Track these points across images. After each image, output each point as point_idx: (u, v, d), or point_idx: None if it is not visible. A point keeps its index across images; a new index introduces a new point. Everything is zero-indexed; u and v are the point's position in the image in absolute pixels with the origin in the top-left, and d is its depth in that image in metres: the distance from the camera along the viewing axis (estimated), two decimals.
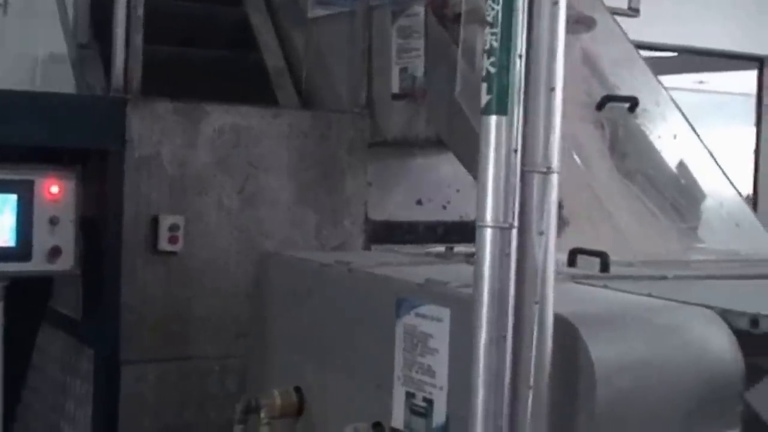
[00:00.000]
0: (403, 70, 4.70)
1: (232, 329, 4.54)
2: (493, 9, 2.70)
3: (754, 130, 9.57)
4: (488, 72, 2.72)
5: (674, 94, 10.89)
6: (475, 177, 4.30)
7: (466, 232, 4.48)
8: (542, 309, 2.76)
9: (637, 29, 8.70)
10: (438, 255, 3.93)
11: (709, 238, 4.13)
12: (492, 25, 2.71)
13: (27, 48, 5.63)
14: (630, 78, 4.51)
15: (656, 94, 4.45)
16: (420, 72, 4.61)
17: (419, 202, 5.17)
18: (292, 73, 5.35)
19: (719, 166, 4.32)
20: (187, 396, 4.55)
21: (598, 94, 4.38)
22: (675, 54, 9.24)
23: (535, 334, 2.75)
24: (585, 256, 3.68)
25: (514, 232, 2.73)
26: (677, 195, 4.22)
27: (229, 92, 5.00)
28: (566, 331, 2.80)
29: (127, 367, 4.47)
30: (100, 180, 4.47)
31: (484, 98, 2.73)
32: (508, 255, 2.72)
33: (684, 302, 3.08)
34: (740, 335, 2.95)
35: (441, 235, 5.04)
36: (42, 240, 4.40)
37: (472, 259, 3.68)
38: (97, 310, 4.51)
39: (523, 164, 2.76)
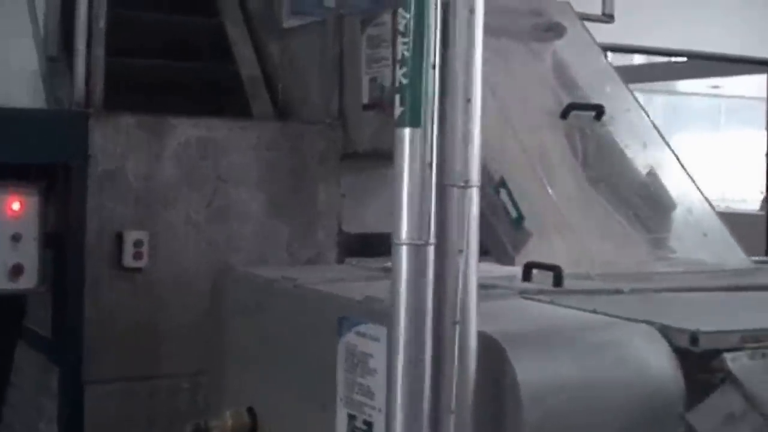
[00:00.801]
0: (373, 80, 4.61)
1: (201, 346, 4.44)
2: (404, 18, 2.61)
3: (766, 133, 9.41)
4: (401, 83, 2.62)
5: (689, 99, 10.76)
6: None
7: None
8: (463, 329, 2.66)
9: (648, 35, 8.60)
10: None
11: (677, 248, 4.01)
12: (404, 35, 2.61)
13: (17, 62, 5.55)
14: (600, 86, 4.40)
15: (626, 102, 4.34)
16: (388, 82, 4.51)
17: None
18: (269, 84, 5.27)
19: (689, 175, 4.21)
20: (156, 414, 4.47)
21: (566, 102, 4.27)
22: (686, 59, 9.10)
23: (456, 355, 2.65)
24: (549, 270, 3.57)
25: (431, 249, 2.63)
26: (646, 205, 4.11)
27: (205, 104, 4.94)
28: (492, 351, 2.70)
29: (92, 386, 4.40)
30: (65, 196, 4.40)
31: (398, 110, 2.63)
32: (425, 274, 2.62)
33: (627, 318, 2.98)
34: (681, 353, 2.85)
35: None
36: (4, 258, 4.33)
37: None
38: (62, 329, 4.44)
39: (441, 178, 2.66)
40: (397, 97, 2.63)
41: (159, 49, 5.20)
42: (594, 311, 3.09)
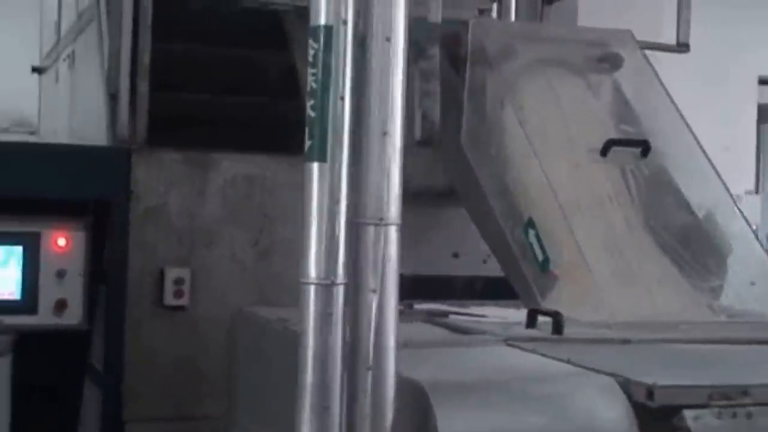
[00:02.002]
0: (424, 116, 4.45)
1: None
2: (312, 48, 2.48)
3: None
4: (309, 116, 2.49)
5: None
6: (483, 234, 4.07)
7: (507, 287, 4.17)
8: (378, 375, 2.51)
9: None
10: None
11: (721, 296, 3.72)
12: (312, 65, 2.48)
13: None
14: (655, 120, 4.14)
15: (683, 138, 4.05)
16: (437, 117, 4.36)
17: (456, 256, 4.86)
18: None
19: (743, 217, 3.90)
20: None
21: (616, 137, 4.05)
22: None
23: (368, 403, 2.49)
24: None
25: (340, 289, 2.49)
26: (693, 249, 3.83)
27: (266, 140, 4.86)
28: (417, 399, 2.54)
29: (132, 425, 4.36)
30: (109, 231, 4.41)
31: (307, 144, 2.50)
32: (331, 315, 2.48)
33: (595, 370, 2.76)
34: (641, 408, 2.62)
35: (480, 291, 4.74)
36: (48, 293, 4.35)
37: (435, 317, 3.47)
38: (105, 366, 4.43)
39: (356, 216, 2.52)
40: (307, 131, 2.50)
41: (225, 86, 5.15)
42: (568, 361, 2.88)
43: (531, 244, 3.78)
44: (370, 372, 2.48)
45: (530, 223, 3.80)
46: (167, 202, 4.40)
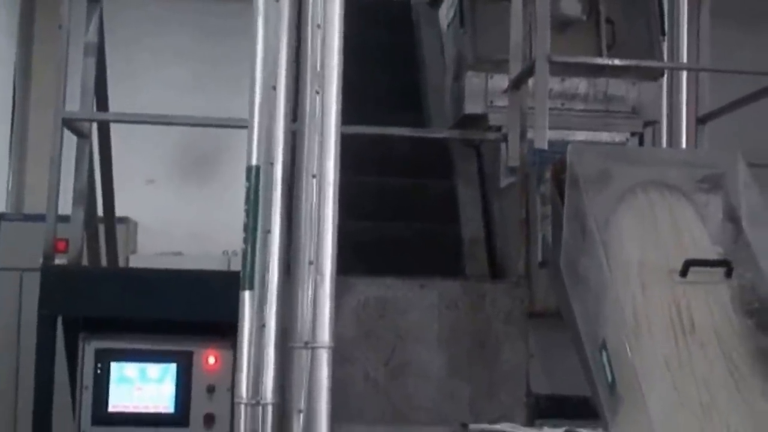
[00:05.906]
0: (543, 239, 4.56)
1: None
2: (245, 186, 2.73)
3: None
4: (243, 248, 2.73)
5: None
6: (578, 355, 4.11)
7: None
8: None
9: None
10: None
11: None
12: (246, 202, 2.73)
13: None
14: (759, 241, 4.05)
15: None
16: (550, 240, 4.45)
17: None
18: (491, 244, 5.32)
19: None
20: None
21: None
22: None
23: None
24: None
25: (268, 409, 2.68)
26: None
27: (420, 265, 5.08)
28: None
29: None
30: None
31: (240, 274, 2.74)
32: None
33: None
34: None
35: None
36: (199, 407, 4.74)
37: None
38: None
39: (289, 340, 2.73)
40: (241, 262, 2.74)
41: (390, 213, 5.41)
42: None
43: (603, 366, 3.80)
44: None
45: (603, 345, 3.82)
46: None
